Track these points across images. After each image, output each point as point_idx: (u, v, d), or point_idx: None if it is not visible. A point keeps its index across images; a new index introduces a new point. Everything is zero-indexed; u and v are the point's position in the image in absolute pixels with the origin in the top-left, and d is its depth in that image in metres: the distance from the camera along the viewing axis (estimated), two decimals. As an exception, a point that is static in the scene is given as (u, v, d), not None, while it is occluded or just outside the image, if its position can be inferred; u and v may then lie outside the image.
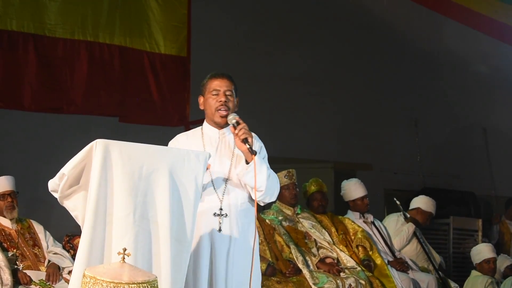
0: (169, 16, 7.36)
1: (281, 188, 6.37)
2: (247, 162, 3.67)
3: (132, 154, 3.16)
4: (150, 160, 3.20)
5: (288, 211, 6.42)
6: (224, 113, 3.79)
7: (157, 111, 7.24)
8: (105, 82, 6.97)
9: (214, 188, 3.71)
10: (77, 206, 3.16)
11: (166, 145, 3.79)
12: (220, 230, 3.67)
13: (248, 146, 3.62)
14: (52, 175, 3.19)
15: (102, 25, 6.93)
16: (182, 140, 3.82)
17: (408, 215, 7.29)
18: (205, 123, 3.90)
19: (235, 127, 3.69)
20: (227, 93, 3.83)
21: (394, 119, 9.79)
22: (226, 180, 3.74)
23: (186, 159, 3.31)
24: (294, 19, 9.10)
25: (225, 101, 3.79)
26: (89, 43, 6.85)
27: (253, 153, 3.62)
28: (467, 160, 10.30)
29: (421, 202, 7.44)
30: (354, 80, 9.43)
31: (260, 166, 3.66)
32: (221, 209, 3.68)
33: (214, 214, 3.67)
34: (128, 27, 7.10)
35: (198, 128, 3.91)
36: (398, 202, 7.37)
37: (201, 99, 3.89)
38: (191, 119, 7.32)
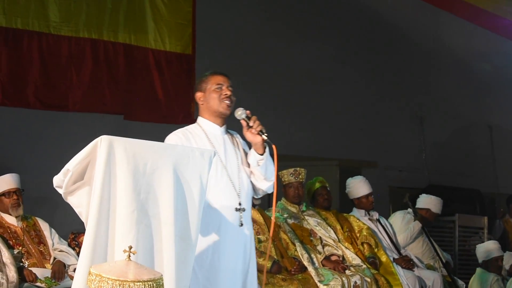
0: (174, 13, 7.36)
1: (285, 185, 6.43)
2: (259, 154, 3.76)
3: (136, 150, 3.15)
4: (155, 157, 3.19)
5: (293, 209, 6.42)
6: (230, 104, 3.85)
7: (162, 108, 7.24)
8: (110, 80, 6.97)
9: (233, 184, 3.79)
10: (81, 202, 3.16)
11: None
12: (241, 224, 3.76)
13: (265, 138, 3.70)
14: (57, 172, 3.19)
15: (107, 23, 6.93)
16: (184, 138, 3.81)
17: (418, 214, 7.28)
18: (202, 120, 3.94)
19: (246, 121, 3.75)
20: (230, 88, 3.90)
21: (399, 116, 9.78)
22: (238, 175, 3.83)
23: (191, 156, 3.31)
24: (299, 17, 9.09)
25: (230, 95, 3.87)
26: (93, 41, 6.86)
27: (271, 144, 3.72)
28: (472, 157, 10.28)
29: (431, 203, 7.42)
30: (359, 78, 9.42)
31: (271, 158, 3.77)
32: (240, 203, 3.77)
33: (236, 209, 3.76)
34: (133, 24, 7.10)
35: (195, 126, 3.93)
36: (410, 203, 7.35)
37: (199, 94, 3.94)
38: (195, 117, 7.31)
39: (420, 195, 7.58)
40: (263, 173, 3.79)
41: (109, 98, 6.98)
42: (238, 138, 3.96)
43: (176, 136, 3.82)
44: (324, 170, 7.56)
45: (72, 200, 3.19)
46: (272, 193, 3.92)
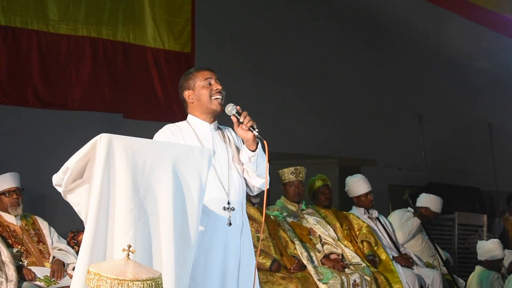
0: (173, 12, 7.35)
1: (286, 184, 6.42)
2: (251, 150, 3.68)
3: (136, 149, 3.15)
4: (154, 156, 3.18)
5: (293, 207, 6.42)
6: (221, 100, 3.77)
7: (161, 107, 7.24)
8: (109, 78, 6.97)
9: (221, 183, 3.71)
10: (80, 201, 3.15)
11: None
12: (230, 224, 3.68)
13: (256, 133, 3.63)
14: (57, 171, 3.19)
15: (105, 22, 6.93)
16: (172, 134, 3.73)
17: (418, 211, 7.29)
18: (191, 118, 3.83)
19: (236, 117, 3.67)
20: (218, 82, 3.81)
21: (398, 114, 9.77)
22: (228, 173, 3.75)
23: (190, 155, 3.30)
24: (298, 15, 9.08)
25: (221, 88, 3.78)
26: (92, 40, 6.85)
27: (263, 139, 3.65)
28: (472, 155, 10.29)
29: (430, 202, 7.42)
30: (359, 76, 9.42)
31: (264, 154, 3.70)
32: (229, 202, 3.70)
33: (224, 208, 3.69)
34: (131, 23, 7.10)
35: (184, 122, 3.84)
36: (410, 200, 7.36)
37: (188, 93, 3.81)
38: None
39: (420, 194, 7.59)
40: (254, 169, 3.71)
41: (108, 96, 6.98)
42: (230, 134, 3.86)
43: (163, 133, 3.73)
44: (324, 168, 7.54)
45: (72, 199, 3.18)
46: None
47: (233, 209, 3.70)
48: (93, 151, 3.08)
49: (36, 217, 5.74)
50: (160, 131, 3.77)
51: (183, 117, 7.37)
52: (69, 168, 3.10)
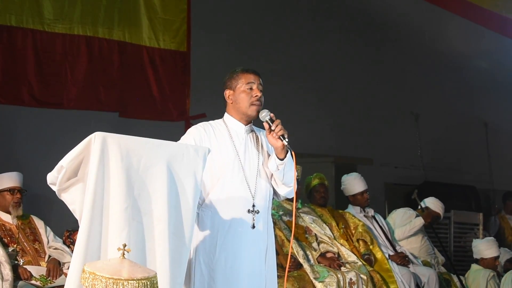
0: (169, 10, 7.35)
1: (282, 182, 6.42)
2: (279, 158, 3.72)
3: (130, 147, 3.15)
4: (149, 154, 3.18)
5: (289, 206, 6.41)
6: (259, 107, 3.81)
7: (157, 106, 7.24)
8: (105, 77, 6.97)
9: (248, 185, 3.76)
10: (75, 199, 3.15)
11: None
12: (253, 226, 3.72)
13: (286, 143, 3.67)
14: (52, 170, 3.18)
15: (101, 20, 6.92)
16: (204, 131, 3.79)
17: (425, 208, 7.31)
18: (228, 117, 3.88)
19: (269, 123, 3.71)
20: (260, 88, 3.87)
21: (394, 113, 9.77)
22: (256, 176, 3.79)
23: (185, 153, 3.30)
24: (294, 14, 9.08)
25: (261, 96, 3.83)
26: (88, 38, 6.85)
27: (291, 149, 3.69)
28: (467, 154, 10.30)
29: (433, 204, 7.45)
30: (355, 75, 9.42)
31: (292, 164, 3.73)
32: (253, 205, 3.74)
33: (248, 211, 3.73)
34: (127, 22, 7.10)
35: (220, 121, 3.89)
36: (418, 199, 7.39)
37: (228, 92, 3.86)
38: (191, 114, 7.32)
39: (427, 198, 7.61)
40: (280, 178, 3.76)
41: (104, 95, 6.98)
42: (264, 138, 3.89)
43: (196, 129, 3.79)
44: (320, 167, 7.55)
45: (66, 197, 3.17)
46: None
47: (258, 212, 3.74)
48: (87, 150, 3.08)
49: (32, 216, 5.73)
50: (193, 127, 3.83)
51: (179, 115, 7.43)
52: (63, 166, 3.10)
